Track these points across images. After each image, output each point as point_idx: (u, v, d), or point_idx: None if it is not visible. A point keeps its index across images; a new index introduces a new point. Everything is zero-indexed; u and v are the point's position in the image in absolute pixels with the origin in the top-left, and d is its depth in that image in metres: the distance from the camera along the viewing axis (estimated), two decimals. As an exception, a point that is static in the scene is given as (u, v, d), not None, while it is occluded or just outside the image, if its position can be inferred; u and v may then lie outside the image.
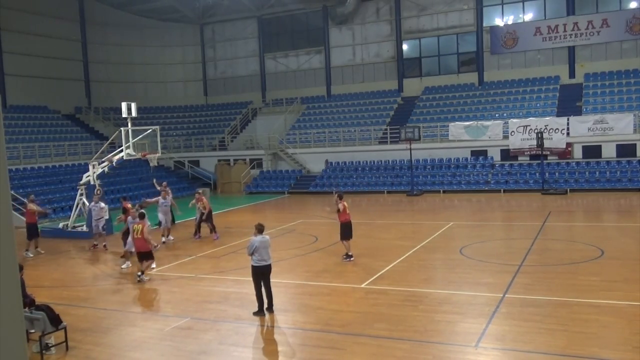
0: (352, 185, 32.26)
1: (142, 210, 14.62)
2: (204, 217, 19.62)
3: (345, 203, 15.37)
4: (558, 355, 8.24)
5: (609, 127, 28.78)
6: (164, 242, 18.67)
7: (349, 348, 8.99)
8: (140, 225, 13.76)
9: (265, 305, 10.87)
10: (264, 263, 10.86)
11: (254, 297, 10.89)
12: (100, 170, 21.17)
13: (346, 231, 15.21)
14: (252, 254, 10.90)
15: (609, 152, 29.00)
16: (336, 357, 8.73)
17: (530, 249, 15.36)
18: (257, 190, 33.95)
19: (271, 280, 11.09)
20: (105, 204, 19.46)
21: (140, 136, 20.87)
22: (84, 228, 21.11)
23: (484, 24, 36.67)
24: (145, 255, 13.84)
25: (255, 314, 10.74)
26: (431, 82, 38.12)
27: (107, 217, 21.44)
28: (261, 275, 10.90)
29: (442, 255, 15.58)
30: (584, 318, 9.74)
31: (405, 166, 31.76)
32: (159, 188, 20.45)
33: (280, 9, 41.52)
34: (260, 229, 11.10)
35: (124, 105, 20.11)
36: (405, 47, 39.20)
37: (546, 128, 29.35)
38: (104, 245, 18.47)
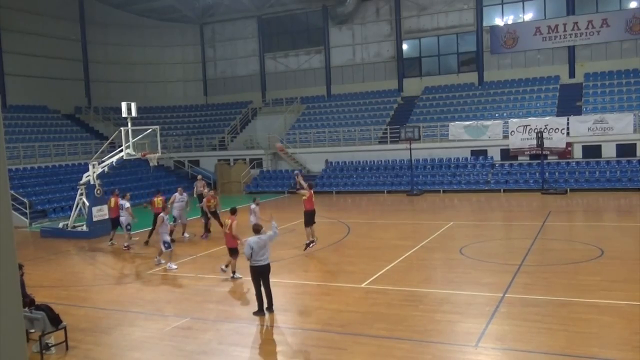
0: (352, 185, 32.27)
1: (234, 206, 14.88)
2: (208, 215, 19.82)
3: (312, 191, 16.52)
4: (558, 355, 8.24)
5: (609, 127, 28.77)
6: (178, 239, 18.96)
7: (349, 348, 8.98)
8: (229, 220, 13.71)
9: (265, 305, 10.85)
10: (260, 263, 10.77)
11: (253, 297, 10.89)
12: (100, 170, 21.16)
13: (310, 218, 16.13)
14: (250, 256, 10.75)
15: (609, 152, 28.99)
16: (336, 357, 8.72)
17: (530, 248, 15.35)
18: (257, 190, 33.94)
19: (271, 280, 11.07)
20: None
21: (140, 136, 20.86)
22: (84, 228, 21.11)
23: (484, 24, 36.66)
24: (232, 251, 13.77)
25: (255, 313, 10.72)
26: (431, 82, 38.11)
27: (107, 216, 21.49)
28: (259, 275, 10.83)
29: (442, 255, 15.58)
30: (584, 318, 9.74)
31: (405, 166, 31.75)
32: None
33: (280, 8, 41.52)
34: (256, 230, 11.02)
35: (124, 105, 20.09)
36: (405, 47, 39.19)
37: (546, 128, 29.34)
38: (126, 245, 18.44)
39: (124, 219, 18.51)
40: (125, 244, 18.32)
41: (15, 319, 2.19)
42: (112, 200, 19.08)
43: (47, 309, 9.47)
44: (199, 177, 24.10)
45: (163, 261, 15.57)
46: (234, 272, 13.73)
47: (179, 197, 19.70)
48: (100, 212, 21.17)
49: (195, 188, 23.08)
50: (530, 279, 12.33)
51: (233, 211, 14.29)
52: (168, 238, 15.28)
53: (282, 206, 28.94)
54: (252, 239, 10.82)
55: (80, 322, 10.80)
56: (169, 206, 18.56)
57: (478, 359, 8.38)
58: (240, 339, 9.73)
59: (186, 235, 19.54)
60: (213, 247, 17.87)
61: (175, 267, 15.18)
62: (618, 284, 11.60)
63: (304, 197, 16.47)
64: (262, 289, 10.86)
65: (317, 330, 9.89)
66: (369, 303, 11.23)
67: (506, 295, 11.17)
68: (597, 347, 8.48)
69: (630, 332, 8.92)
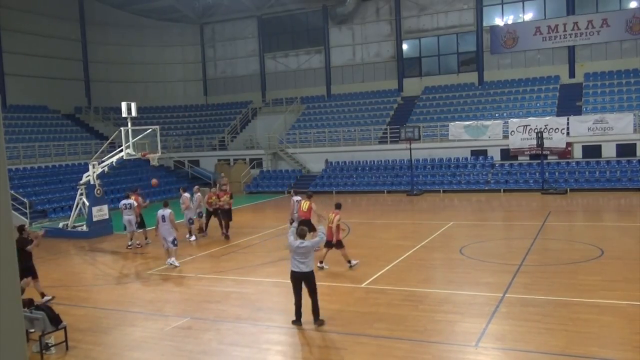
0: (352, 185, 32.27)
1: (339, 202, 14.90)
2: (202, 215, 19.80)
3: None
4: (558, 355, 8.23)
5: (609, 127, 28.78)
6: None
7: (349, 348, 8.98)
8: (333, 215, 13.82)
9: (312, 318, 10.11)
10: (301, 269, 10.05)
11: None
12: (100, 170, 21.18)
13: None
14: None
15: (609, 151, 29.00)
16: (336, 357, 8.72)
17: (530, 248, 15.35)
18: (257, 190, 33.96)
19: (271, 280, 11.03)
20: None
21: (140, 136, 20.88)
22: (84, 228, 21.12)
23: (484, 24, 36.67)
24: (332, 244, 13.82)
25: (293, 322, 10.12)
26: (431, 81, 38.12)
27: (106, 216, 21.52)
28: (300, 281, 10.11)
29: (442, 255, 15.57)
30: (584, 318, 9.73)
31: (405, 166, 31.75)
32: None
33: (280, 8, 41.52)
34: (301, 235, 10.37)
35: (123, 105, 20.10)
36: (405, 46, 39.20)
37: (546, 128, 29.34)
38: (139, 244, 18.46)
39: (132, 217, 18.31)
40: (130, 244, 18.39)
41: (15, 319, 2.19)
42: (133, 198, 18.74)
43: (47, 309, 9.48)
44: (222, 174, 24.22)
45: (174, 259, 15.44)
46: (349, 261, 13.96)
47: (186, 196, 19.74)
48: (100, 212, 21.19)
49: (218, 185, 23.10)
50: (530, 279, 12.33)
51: (338, 206, 14.35)
52: (176, 235, 15.40)
53: (282, 206, 28.94)
54: (297, 242, 10.12)
55: (80, 322, 10.80)
56: (183, 206, 18.76)
57: (478, 359, 8.38)
58: (240, 339, 9.72)
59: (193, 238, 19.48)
60: (213, 248, 17.87)
61: (178, 264, 15.24)
62: (618, 284, 11.60)
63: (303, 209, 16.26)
64: (305, 298, 10.13)
65: (317, 330, 9.88)
66: (369, 303, 11.23)
67: (506, 295, 11.17)
68: (597, 347, 8.48)
69: (630, 332, 8.92)
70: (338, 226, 13.76)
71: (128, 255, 17.63)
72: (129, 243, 18.42)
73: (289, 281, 13.37)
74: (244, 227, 21.30)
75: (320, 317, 10.00)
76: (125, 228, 18.59)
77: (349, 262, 13.98)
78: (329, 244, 13.76)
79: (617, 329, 9.15)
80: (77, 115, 39.85)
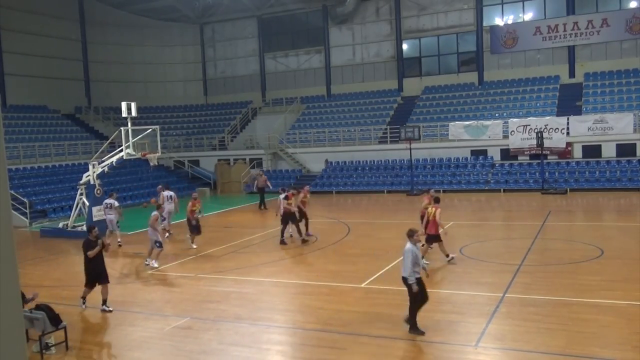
0: (352, 185, 32.27)
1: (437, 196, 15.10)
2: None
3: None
4: (558, 354, 8.24)
5: (609, 127, 28.78)
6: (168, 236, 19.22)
7: (349, 348, 8.98)
8: (433, 209, 14.02)
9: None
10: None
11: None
12: (100, 170, 21.18)
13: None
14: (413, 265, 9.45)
15: (609, 151, 29.00)
16: (336, 357, 8.72)
17: (530, 248, 15.35)
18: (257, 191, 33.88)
19: (271, 280, 11.04)
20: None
21: (140, 136, 20.87)
22: (84, 228, 21.10)
23: (484, 24, 36.66)
24: (435, 238, 14.01)
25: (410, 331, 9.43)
26: (431, 81, 38.12)
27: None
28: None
29: (442, 255, 15.54)
30: (583, 318, 9.74)
31: (405, 166, 31.75)
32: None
33: (280, 8, 41.52)
34: (409, 234, 9.97)
35: (123, 105, 20.09)
36: (405, 46, 39.20)
37: (546, 128, 29.34)
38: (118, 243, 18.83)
39: (112, 217, 18.96)
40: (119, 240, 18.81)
41: (15, 319, 2.19)
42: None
43: (47, 309, 9.47)
44: (260, 172, 23.99)
45: (154, 262, 15.44)
46: (448, 256, 14.08)
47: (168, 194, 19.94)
48: (100, 212, 21.16)
49: (256, 182, 22.91)
50: (530, 278, 12.33)
51: (437, 200, 14.61)
52: (160, 237, 15.39)
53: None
54: (413, 246, 9.86)
55: (80, 322, 10.81)
56: (163, 205, 18.70)
57: (478, 359, 8.38)
58: (240, 339, 9.72)
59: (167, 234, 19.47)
60: (213, 248, 17.86)
61: (157, 265, 15.27)
62: (618, 284, 11.60)
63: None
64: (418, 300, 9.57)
65: (317, 330, 9.88)
66: (369, 303, 11.23)
67: (506, 295, 11.17)
68: (597, 346, 8.48)
69: (630, 332, 8.92)
70: (436, 219, 13.91)
71: (128, 255, 17.63)
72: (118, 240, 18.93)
73: (289, 281, 13.41)
74: (244, 227, 21.29)
75: (420, 328, 9.31)
76: (105, 227, 18.91)
77: (447, 255, 14.12)
78: (432, 238, 13.97)
79: (617, 329, 9.15)
80: (77, 115, 39.85)
